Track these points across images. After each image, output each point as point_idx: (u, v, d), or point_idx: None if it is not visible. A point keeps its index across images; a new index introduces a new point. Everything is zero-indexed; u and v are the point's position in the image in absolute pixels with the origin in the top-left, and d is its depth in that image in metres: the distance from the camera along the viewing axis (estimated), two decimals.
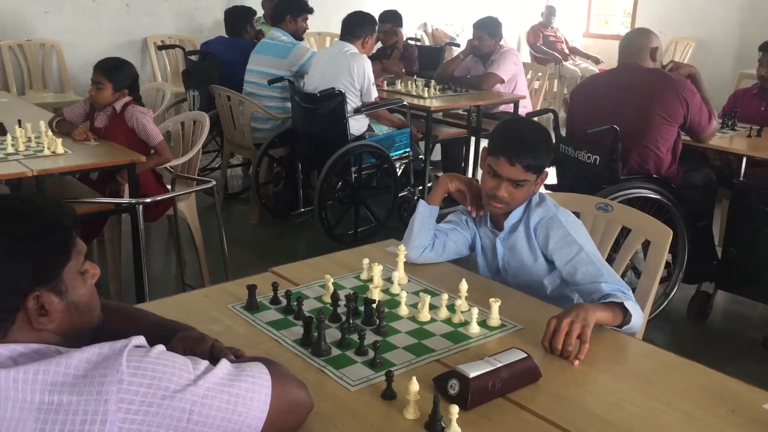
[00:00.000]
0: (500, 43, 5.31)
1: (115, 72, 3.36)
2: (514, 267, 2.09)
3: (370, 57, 4.63)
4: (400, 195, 4.64)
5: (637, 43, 3.44)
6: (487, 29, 5.15)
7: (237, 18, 5.45)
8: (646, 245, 2.41)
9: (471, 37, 5.35)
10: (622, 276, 3.03)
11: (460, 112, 5.26)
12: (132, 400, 1.05)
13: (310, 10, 5.04)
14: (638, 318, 1.78)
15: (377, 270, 1.88)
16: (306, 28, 5.09)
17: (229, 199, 5.32)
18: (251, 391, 1.17)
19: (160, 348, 1.14)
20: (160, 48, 6.48)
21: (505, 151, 1.94)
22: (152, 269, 3.98)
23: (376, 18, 4.81)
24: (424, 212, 2.13)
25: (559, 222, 1.98)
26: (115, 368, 1.06)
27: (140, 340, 1.14)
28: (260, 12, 6.26)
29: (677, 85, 3.26)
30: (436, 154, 5.50)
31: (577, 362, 1.57)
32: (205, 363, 1.17)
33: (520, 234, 2.04)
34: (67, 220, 1.17)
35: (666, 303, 3.46)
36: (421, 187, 4.80)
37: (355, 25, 4.54)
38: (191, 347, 1.35)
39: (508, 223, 2.06)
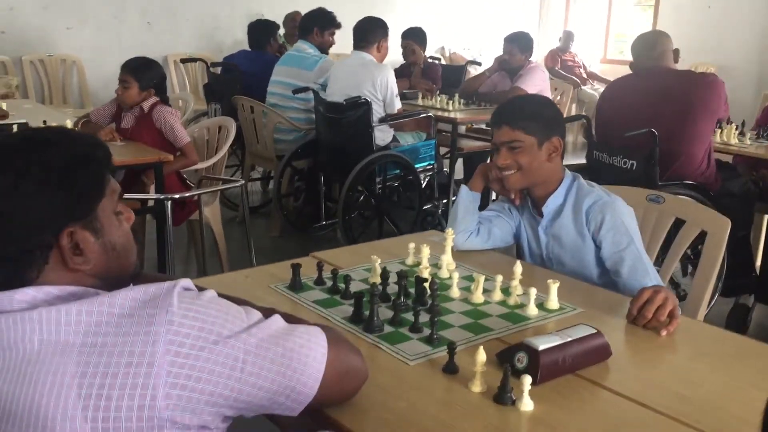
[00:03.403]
0: (529, 59, 5.27)
1: (142, 71, 3.32)
2: (558, 254, 2.01)
3: (395, 73, 4.57)
4: (424, 208, 4.55)
5: (661, 46, 3.43)
6: (519, 44, 5.11)
7: (260, 31, 5.42)
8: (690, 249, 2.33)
9: (495, 56, 5.31)
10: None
11: (484, 126, 5.19)
12: (182, 343, 0.95)
13: (338, 25, 5.01)
14: None
15: (425, 252, 1.79)
16: (332, 43, 5.05)
17: (249, 213, 5.23)
18: (306, 347, 1.07)
19: (212, 292, 1.05)
20: (183, 61, 6.45)
21: (493, 119, 1.97)
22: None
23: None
24: (467, 197, 2.07)
25: (615, 208, 1.91)
26: (164, 308, 0.96)
27: (188, 282, 1.04)
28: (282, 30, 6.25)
29: (709, 81, 3.34)
30: (459, 172, 5.42)
31: (665, 333, 1.51)
32: (258, 314, 1.08)
33: (566, 219, 1.97)
34: (101, 154, 1.08)
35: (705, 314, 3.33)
36: (445, 201, 4.72)
37: (367, 31, 4.49)
38: None
39: (547, 209, 2.00)
